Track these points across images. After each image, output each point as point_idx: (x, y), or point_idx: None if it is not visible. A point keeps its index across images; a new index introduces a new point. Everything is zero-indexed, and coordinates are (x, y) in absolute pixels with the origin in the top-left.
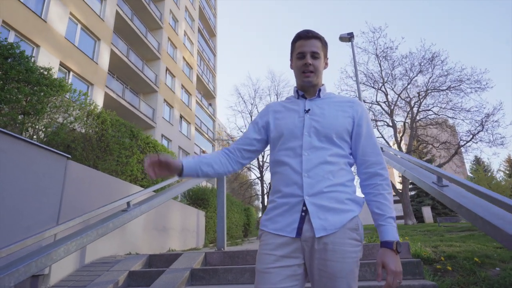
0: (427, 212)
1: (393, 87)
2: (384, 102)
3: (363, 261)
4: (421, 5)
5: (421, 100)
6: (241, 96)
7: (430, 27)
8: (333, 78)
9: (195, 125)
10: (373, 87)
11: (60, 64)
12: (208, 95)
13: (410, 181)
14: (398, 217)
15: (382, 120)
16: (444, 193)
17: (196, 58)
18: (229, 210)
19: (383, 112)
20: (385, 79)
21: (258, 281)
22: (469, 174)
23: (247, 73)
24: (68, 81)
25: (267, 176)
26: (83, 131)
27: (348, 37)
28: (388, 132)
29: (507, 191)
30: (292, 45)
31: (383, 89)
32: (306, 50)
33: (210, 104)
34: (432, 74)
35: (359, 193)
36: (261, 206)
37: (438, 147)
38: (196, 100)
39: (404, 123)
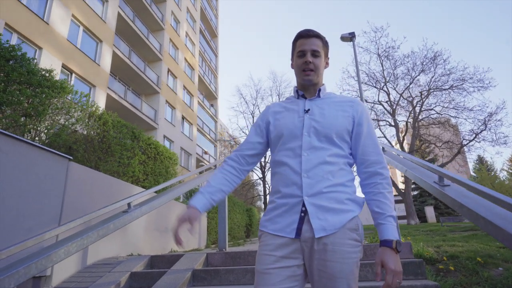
0: (430, 212)
1: (395, 86)
2: (386, 102)
3: (365, 261)
4: (421, 5)
5: (424, 99)
6: (242, 97)
7: (430, 27)
8: (335, 78)
9: (197, 126)
10: (375, 87)
11: (62, 66)
12: (210, 96)
13: (413, 181)
14: (400, 217)
15: (384, 120)
16: (446, 192)
17: (198, 59)
18: (231, 210)
19: (385, 111)
20: (387, 78)
21: (257, 282)
22: (472, 173)
23: (249, 74)
24: (71, 83)
25: (269, 176)
26: (85, 132)
27: (349, 37)
28: (390, 131)
29: (510, 191)
30: (293, 44)
31: (385, 88)
32: (307, 48)
33: (212, 105)
34: (435, 73)
35: (359, 193)
36: (263, 206)
37: (440, 146)
38: (198, 101)
39: (407, 122)
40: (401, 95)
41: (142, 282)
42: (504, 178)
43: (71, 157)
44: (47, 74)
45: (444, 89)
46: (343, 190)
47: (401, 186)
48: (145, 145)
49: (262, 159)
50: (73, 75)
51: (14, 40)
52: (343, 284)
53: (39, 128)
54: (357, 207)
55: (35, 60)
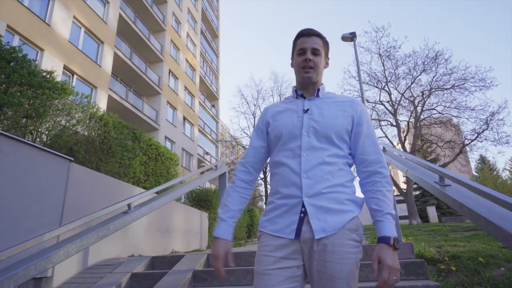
0: (432, 211)
1: (396, 86)
2: (388, 102)
3: (365, 261)
4: (421, 5)
5: (425, 99)
6: (244, 97)
7: (430, 27)
8: (336, 78)
9: (199, 127)
10: (376, 87)
11: (64, 68)
12: (211, 96)
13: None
14: (402, 217)
15: (386, 120)
16: (446, 192)
17: (199, 60)
18: None
19: (387, 111)
20: (389, 78)
21: (257, 283)
22: (474, 173)
23: (249, 74)
24: (72, 84)
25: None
26: (86, 133)
27: (350, 37)
28: (392, 131)
29: None
30: (293, 43)
31: (386, 88)
32: (307, 46)
33: (213, 106)
34: (436, 73)
35: (359, 194)
36: (264, 207)
37: (442, 146)
38: (199, 102)
39: (408, 122)
40: (402, 94)
41: (143, 283)
42: (506, 177)
43: (72, 158)
44: (47, 76)
45: (446, 89)
46: (343, 190)
47: (403, 186)
48: (146, 146)
49: None
50: (75, 76)
51: (16, 42)
52: (343, 284)
53: (40, 130)
54: (357, 207)
55: (36, 62)
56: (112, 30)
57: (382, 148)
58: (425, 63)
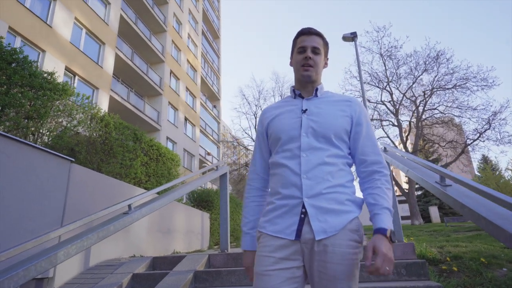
0: (434, 212)
1: (398, 86)
2: (389, 102)
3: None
4: (421, 5)
5: (427, 99)
6: (245, 98)
7: (430, 27)
8: (337, 78)
9: (200, 127)
10: (377, 87)
11: (65, 69)
12: (213, 97)
13: None
14: (404, 218)
15: (387, 120)
16: (447, 193)
17: (200, 61)
18: (234, 211)
19: (388, 111)
20: (390, 78)
21: (257, 283)
22: (476, 173)
23: (251, 74)
24: (73, 85)
25: None
26: (87, 134)
27: (351, 37)
28: (394, 131)
29: None
30: (293, 41)
31: (388, 88)
32: (307, 44)
33: (214, 106)
34: (438, 72)
35: (359, 194)
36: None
37: (444, 146)
38: (201, 102)
39: (410, 122)
40: (404, 94)
41: (144, 283)
42: (509, 177)
43: (73, 159)
44: (48, 77)
45: (448, 88)
46: (343, 191)
47: (405, 186)
48: (147, 147)
49: None
50: (76, 77)
51: (17, 43)
52: (343, 285)
53: (41, 130)
54: (357, 208)
55: (37, 63)
56: (113, 31)
57: (383, 148)
58: (427, 62)
